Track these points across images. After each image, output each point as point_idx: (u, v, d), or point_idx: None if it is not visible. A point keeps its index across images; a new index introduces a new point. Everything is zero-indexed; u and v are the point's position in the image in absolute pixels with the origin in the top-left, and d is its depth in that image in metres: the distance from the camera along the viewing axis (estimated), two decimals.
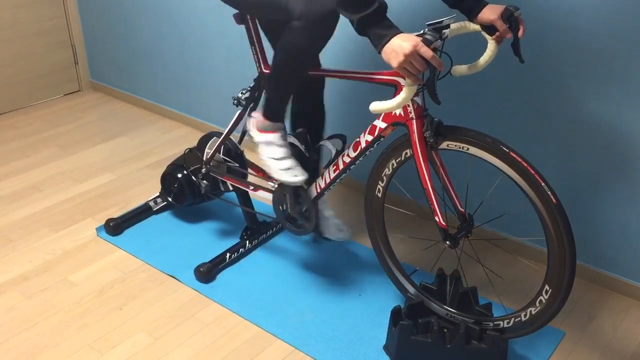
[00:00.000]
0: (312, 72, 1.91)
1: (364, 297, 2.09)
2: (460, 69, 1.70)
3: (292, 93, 1.97)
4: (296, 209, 2.08)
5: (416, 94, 1.66)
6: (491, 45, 1.68)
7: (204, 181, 2.31)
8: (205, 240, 2.37)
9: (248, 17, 2.00)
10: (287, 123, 2.12)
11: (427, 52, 1.45)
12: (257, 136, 2.02)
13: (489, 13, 1.64)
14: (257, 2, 1.83)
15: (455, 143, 1.67)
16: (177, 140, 3.17)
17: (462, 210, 1.79)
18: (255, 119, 2.03)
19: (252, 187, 2.21)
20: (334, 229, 2.17)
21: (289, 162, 1.98)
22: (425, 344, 1.76)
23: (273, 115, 1.99)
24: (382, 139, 1.82)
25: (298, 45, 1.78)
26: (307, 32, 1.73)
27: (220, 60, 2.99)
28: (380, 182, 1.88)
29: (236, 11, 2.00)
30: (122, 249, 2.32)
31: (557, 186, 1.69)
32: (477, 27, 1.68)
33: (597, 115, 1.98)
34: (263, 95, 2.07)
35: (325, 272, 2.21)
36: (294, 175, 1.95)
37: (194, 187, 2.35)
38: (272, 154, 1.98)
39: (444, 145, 1.69)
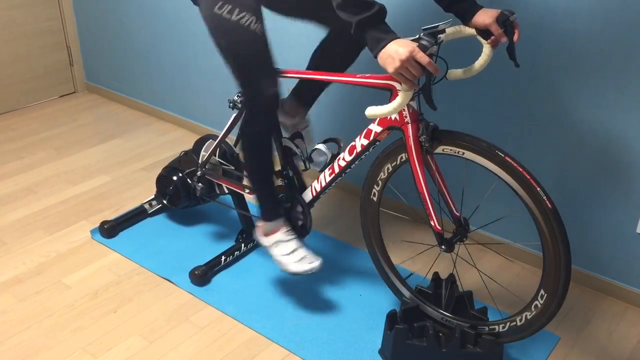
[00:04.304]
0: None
1: (359, 301, 2.09)
2: (456, 73, 1.70)
3: (273, 182, 2.02)
4: (292, 212, 2.08)
5: (412, 99, 1.66)
6: (486, 49, 1.68)
7: (200, 184, 2.31)
8: (200, 243, 2.37)
9: None
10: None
11: (423, 58, 1.45)
12: (265, 242, 2.05)
13: (484, 17, 1.64)
14: (225, 61, 1.87)
15: (450, 147, 1.67)
16: (173, 142, 3.17)
17: (458, 214, 1.79)
18: (259, 228, 2.07)
19: (247, 190, 2.20)
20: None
21: (301, 252, 2.00)
22: (420, 348, 1.76)
23: (270, 215, 2.02)
24: (377, 142, 1.82)
25: (254, 135, 1.92)
26: (253, 121, 1.90)
27: (216, 63, 2.99)
28: (375, 186, 1.88)
29: None
30: (116, 251, 2.32)
31: (552, 191, 1.70)
32: (472, 31, 1.68)
33: (591, 120, 1.98)
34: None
35: (321, 275, 2.20)
36: (309, 262, 1.97)
37: (189, 189, 2.35)
38: (283, 251, 2.01)
39: (439, 149, 1.69)
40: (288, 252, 2.00)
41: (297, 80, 2.11)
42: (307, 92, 2.14)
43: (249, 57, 1.82)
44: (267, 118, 1.92)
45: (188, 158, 2.37)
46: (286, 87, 2.08)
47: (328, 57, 2.04)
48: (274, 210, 2.04)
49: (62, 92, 3.71)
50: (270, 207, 2.03)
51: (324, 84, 2.13)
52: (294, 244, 2.02)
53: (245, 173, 2.07)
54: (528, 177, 1.57)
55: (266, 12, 1.88)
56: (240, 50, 1.81)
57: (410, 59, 1.45)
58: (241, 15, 1.75)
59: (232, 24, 1.76)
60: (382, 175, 1.85)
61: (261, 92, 1.84)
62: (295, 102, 2.14)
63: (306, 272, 1.97)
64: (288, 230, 2.04)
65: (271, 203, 2.04)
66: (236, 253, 2.26)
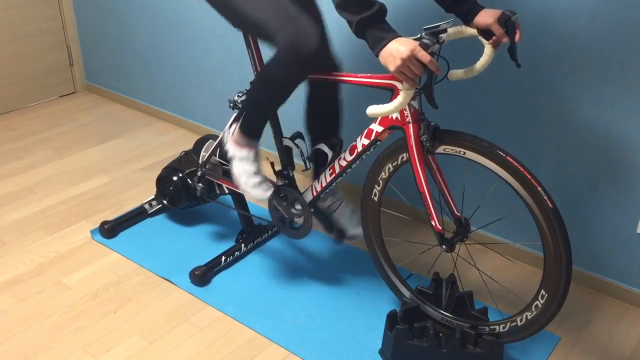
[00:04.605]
0: (309, 75, 1.91)
1: (359, 301, 2.08)
2: (457, 74, 1.70)
3: (269, 117, 2.00)
4: (292, 212, 2.08)
5: (413, 98, 1.66)
6: (488, 49, 1.68)
7: (200, 184, 2.31)
8: (200, 243, 2.36)
9: None
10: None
11: (424, 56, 1.45)
12: (232, 149, 2.02)
13: (486, 17, 1.64)
14: (249, 22, 1.79)
15: (451, 147, 1.67)
16: (173, 142, 3.17)
17: (458, 214, 1.79)
18: (232, 133, 2.03)
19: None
20: (354, 223, 2.12)
21: (260, 178, 2.02)
22: (420, 348, 1.76)
23: (250, 131, 1.98)
24: (378, 142, 1.82)
25: (279, 79, 1.81)
26: (289, 69, 1.76)
27: (216, 63, 2.99)
28: (376, 186, 1.88)
29: None
30: (116, 251, 2.31)
31: (553, 191, 1.70)
32: (473, 31, 1.68)
33: (592, 120, 1.98)
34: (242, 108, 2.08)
35: (321, 275, 2.20)
36: (264, 190, 2.00)
37: (190, 189, 2.34)
38: (244, 169, 2.00)
39: (440, 149, 1.69)
40: (249, 173, 2.00)
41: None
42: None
43: (269, 6, 1.71)
44: (301, 65, 1.73)
45: (188, 158, 2.36)
46: None
47: (316, 119, 2.07)
48: (256, 130, 1.99)
49: (62, 92, 3.71)
50: (255, 125, 1.98)
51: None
52: (257, 168, 2.02)
53: (249, 90, 1.99)
54: (529, 176, 1.57)
55: None
56: (257, 3, 1.72)
57: (412, 57, 1.45)
58: None
59: None
60: (383, 175, 1.85)
61: (299, 31, 1.66)
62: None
63: (257, 198, 2.02)
64: (257, 154, 2.03)
65: (258, 123, 1.98)
66: (236, 253, 2.26)
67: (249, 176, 2.00)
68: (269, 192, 2.01)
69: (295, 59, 1.70)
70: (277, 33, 1.69)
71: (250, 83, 1.96)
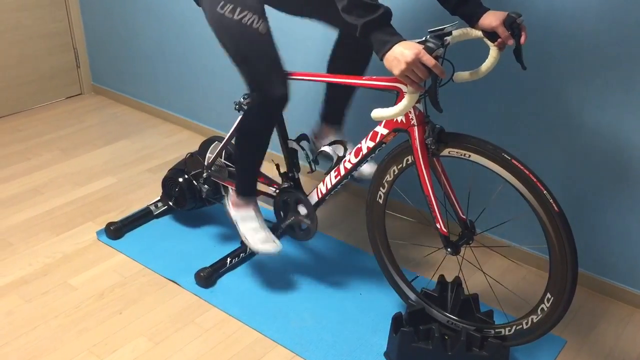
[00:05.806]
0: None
1: (365, 304, 2.08)
2: (462, 76, 1.70)
3: (258, 168, 2.07)
4: (297, 214, 2.08)
5: (418, 101, 1.65)
6: (493, 51, 1.68)
7: (205, 185, 2.31)
8: (205, 244, 2.37)
9: None
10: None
11: (429, 60, 1.45)
12: (233, 213, 2.12)
13: (491, 19, 1.64)
14: (235, 57, 1.88)
15: (456, 150, 1.67)
16: (179, 144, 3.17)
17: (464, 217, 1.79)
18: (230, 197, 2.13)
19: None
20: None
21: (266, 234, 2.07)
22: (426, 351, 1.76)
23: (244, 192, 2.10)
24: (383, 145, 1.82)
25: (254, 130, 1.95)
26: (261, 120, 1.93)
27: (222, 65, 2.99)
28: (381, 189, 1.88)
29: None
30: (122, 253, 2.32)
31: (558, 194, 1.69)
32: (479, 33, 1.68)
33: (599, 123, 1.97)
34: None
35: (326, 277, 2.20)
36: (271, 245, 2.04)
37: (195, 191, 2.35)
38: (249, 227, 2.08)
39: (445, 152, 1.69)
40: (254, 229, 2.06)
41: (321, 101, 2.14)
42: (332, 112, 2.15)
43: (254, 56, 1.83)
44: (271, 118, 1.94)
45: (194, 160, 2.37)
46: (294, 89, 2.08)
47: (341, 62, 2.04)
48: (250, 188, 2.10)
49: (69, 93, 3.72)
50: (247, 184, 2.10)
51: (346, 101, 2.15)
52: (261, 223, 2.08)
53: (234, 150, 2.15)
54: (535, 179, 1.57)
55: (272, 13, 1.88)
56: (245, 50, 1.82)
57: (416, 61, 1.45)
58: (243, 14, 1.76)
59: (234, 23, 1.77)
60: (388, 178, 1.84)
61: (270, 93, 1.84)
62: (324, 125, 2.16)
63: (267, 253, 2.06)
64: (258, 210, 2.10)
65: (249, 182, 2.09)
66: (241, 255, 2.26)
67: (255, 232, 2.06)
68: (278, 247, 2.05)
69: (266, 114, 1.92)
70: (250, 90, 1.91)
71: (234, 144, 2.08)
